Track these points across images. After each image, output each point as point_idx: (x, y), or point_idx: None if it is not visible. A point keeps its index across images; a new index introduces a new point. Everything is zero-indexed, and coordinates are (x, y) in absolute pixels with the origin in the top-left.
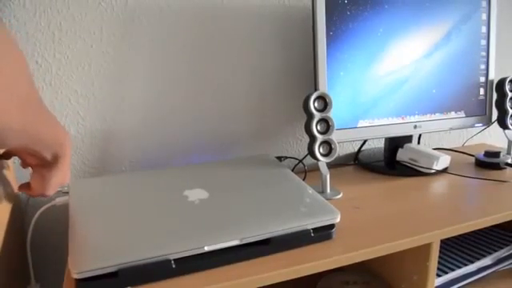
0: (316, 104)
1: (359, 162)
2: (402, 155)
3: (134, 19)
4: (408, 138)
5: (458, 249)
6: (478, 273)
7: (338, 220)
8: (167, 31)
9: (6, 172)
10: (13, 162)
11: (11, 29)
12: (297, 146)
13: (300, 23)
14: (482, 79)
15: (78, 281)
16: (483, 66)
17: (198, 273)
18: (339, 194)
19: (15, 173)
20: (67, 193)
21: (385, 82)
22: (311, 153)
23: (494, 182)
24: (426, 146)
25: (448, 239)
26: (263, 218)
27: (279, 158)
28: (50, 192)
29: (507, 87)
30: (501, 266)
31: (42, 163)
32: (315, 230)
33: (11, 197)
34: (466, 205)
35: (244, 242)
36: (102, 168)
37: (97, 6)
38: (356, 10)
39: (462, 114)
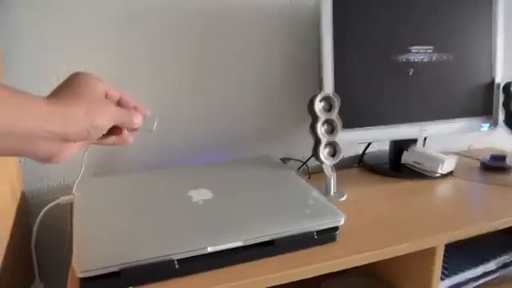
0: (321, 105)
1: (364, 165)
2: (406, 158)
3: (136, 19)
4: (413, 141)
5: (463, 253)
6: (482, 277)
7: (342, 222)
8: (170, 31)
9: (12, 171)
10: (19, 161)
11: (10, 29)
12: (301, 148)
13: (306, 24)
14: (489, 81)
15: (82, 280)
16: (489, 68)
17: (201, 273)
18: (343, 196)
19: (22, 171)
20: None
21: (391, 84)
22: (316, 155)
23: (499, 186)
24: (431, 149)
25: (452, 243)
26: (267, 220)
27: (283, 160)
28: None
29: None
30: (505, 270)
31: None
32: (319, 232)
33: (17, 195)
34: (470, 209)
35: (247, 243)
36: (107, 168)
37: (96, 5)
38: (362, 10)
39: (468, 116)
